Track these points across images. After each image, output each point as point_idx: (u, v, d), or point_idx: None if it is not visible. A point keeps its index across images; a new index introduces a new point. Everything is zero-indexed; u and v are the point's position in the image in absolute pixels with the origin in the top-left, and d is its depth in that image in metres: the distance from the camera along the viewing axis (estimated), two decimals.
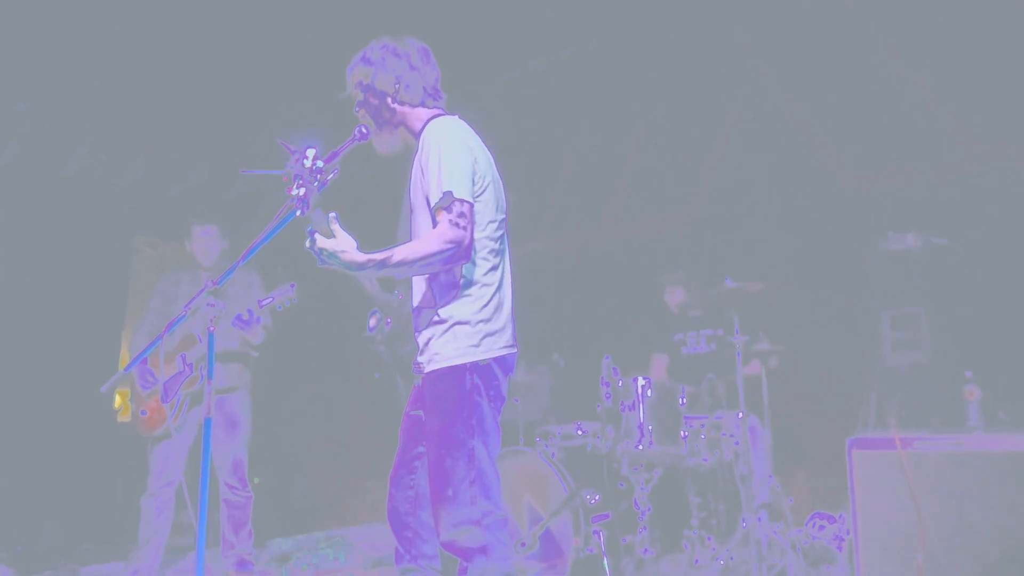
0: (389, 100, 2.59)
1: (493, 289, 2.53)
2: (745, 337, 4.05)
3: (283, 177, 2.39)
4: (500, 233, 2.60)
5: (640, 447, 3.97)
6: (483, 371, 2.48)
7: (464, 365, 2.46)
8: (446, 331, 2.48)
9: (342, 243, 2.32)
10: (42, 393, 4.95)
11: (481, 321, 2.48)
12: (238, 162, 5.76)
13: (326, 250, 2.31)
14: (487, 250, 2.53)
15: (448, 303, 2.49)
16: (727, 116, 5.16)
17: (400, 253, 2.35)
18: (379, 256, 2.33)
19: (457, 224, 2.38)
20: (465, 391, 2.45)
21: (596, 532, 3.80)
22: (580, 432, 4.32)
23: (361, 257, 2.32)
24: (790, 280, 4.60)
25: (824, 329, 4.53)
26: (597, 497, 3.97)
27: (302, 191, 2.29)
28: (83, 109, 5.01)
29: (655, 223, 5.49)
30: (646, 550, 3.90)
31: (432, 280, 2.52)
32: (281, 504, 5.60)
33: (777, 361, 4.34)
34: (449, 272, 2.48)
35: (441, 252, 2.36)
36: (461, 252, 2.40)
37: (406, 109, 2.61)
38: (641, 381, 4.04)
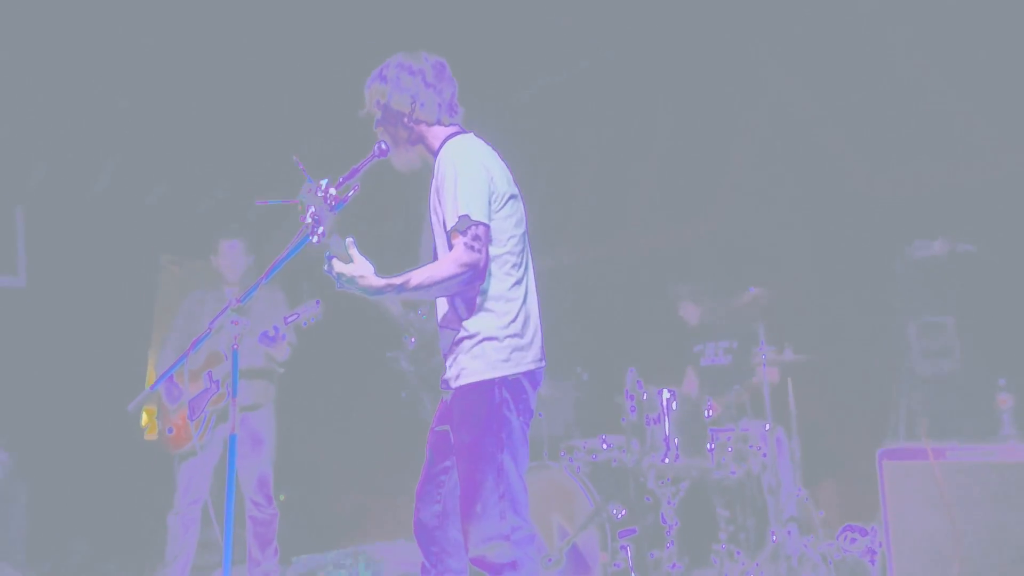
0: (405, 119, 2.61)
1: (519, 303, 2.54)
2: (771, 347, 4.00)
3: (297, 207, 2.44)
4: (522, 247, 2.60)
5: (666, 460, 3.93)
6: (512, 385, 2.48)
7: (493, 380, 2.46)
8: (474, 346, 2.49)
9: (359, 268, 2.34)
10: (69, 412, 5.00)
11: (509, 336, 2.49)
12: (262, 181, 5.82)
13: (344, 275, 2.33)
14: (510, 264, 2.54)
15: (473, 319, 2.49)
16: (748, 124, 5.13)
17: (417, 277, 2.38)
18: (397, 281, 2.36)
19: (472, 247, 2.40)
20: (494, 405, 2.46)
21: (623, 547, 3.77)
22: (605, 446, 4.28)
23: (379, 282, 2.34)
24: (815, 289, 4.55)
25: (851, 338, 4.47)
26: (623, 512, 3.93)
27: (311, 220, 2.34)
28: (109, 129, 5.09)
29: (677, 233, 5.46)
30: (674, 565, 3.86)
31: (456, 298, 2.53)
32: (307, 521, 5.60)
33: (802, 372, 4.28)
34: (473, 289, 2.48)
35: (456, 275, 2.39)
36: (476, 274, 2.42)
37: (423, 127, 2.63)
38: (666, 394, 4.01)
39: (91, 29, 4.25)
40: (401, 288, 2.36)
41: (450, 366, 2.55)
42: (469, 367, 2.48)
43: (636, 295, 5.47)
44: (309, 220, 2.36)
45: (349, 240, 2.36)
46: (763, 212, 5.00)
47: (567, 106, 5.51)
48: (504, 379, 2.46)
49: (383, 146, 2.64)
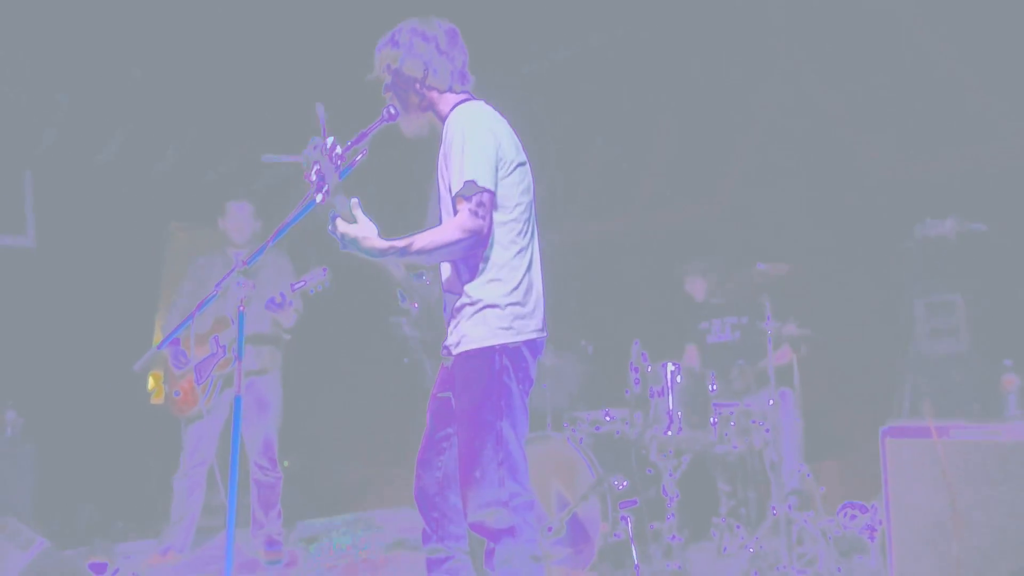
0: (417, 85, 2.59)
1: (523, 271, 2.53)
2: (776, 323, 3.99)
3: (301, 163, 2.43)
4: (528, 215, 2.59)
5: (669, 433, 3.94)
6: (512, 353, 2.48)
7: (494, 347, 2.46)
8: (476, 313, 2.48)
9: (363, 229, 2.34)
10: (77, 375, 5.05)
11: (511, 304, 2.48)
12: (270, 148, 5.80)
13: (347, 235, 2.33)
14: (516, 232, 2.53)
15: (476, 286, 2.49)
16: (757, 101, 5.09)
17: (420, 241, 2.38)
18: (399, 243, 2.36)
19: (476, 213, 2.39)
20: (494, 373, 2.45)
21: (624, 518, 3.79)
22: (608, 418, 4.30)
23: (381, 243, 2.34)
24: (823, 267, 4.53)
25: (858, 317, 4.46)
26: (625, 483, 3.95)
27: (315, 178, 2.33)
28: (118, 97, 5.08)
29: (684, 209, 5.44)
30: (674, 536, 3.88)
31: (460, 263, 2.52)
32: (310, 487, 5.66)
33: (808, 348, 4.27)
34: (477, 255, 2.48)
35: (459, 241, 2.39)
36: (479, 240, 2.42)
37: (434, 94, 2.61)
38: (670, 367, 4.01)
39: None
40: (404, 251, 2.36)
41: (451, 332, 2.55)
42: (470, 333, 2.48)
43: (643, 270, 5.47)
44: (314, 177, 2.36)
45: (354, 200, 2.35)
46: (773, 189, 4.97)
47: (578, 81, 5.47)
48: (504, 347, 2.46)
49: (392, 110, 2.62)
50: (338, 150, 2.41)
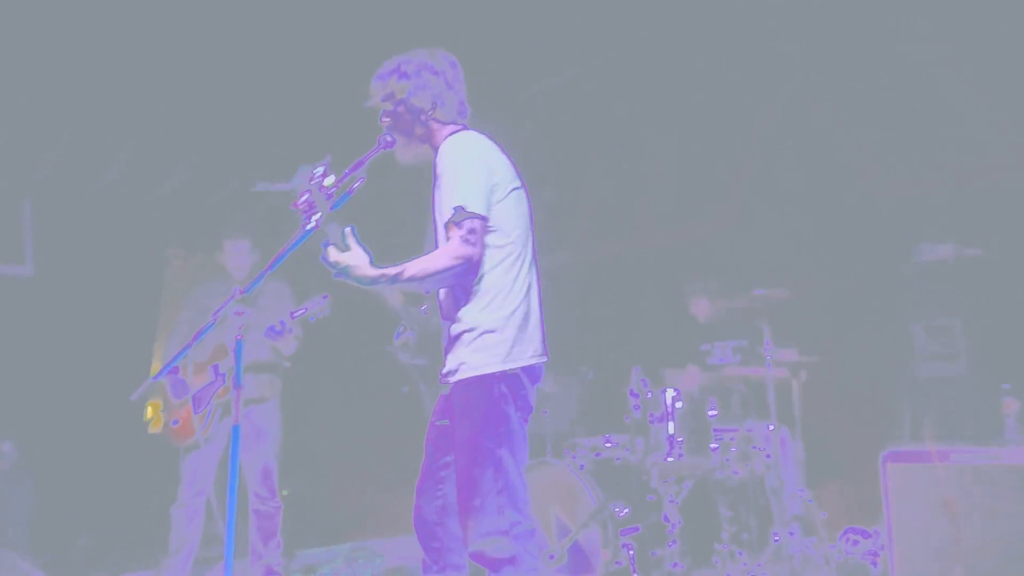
0: (423, 116, 2.62)
1: (521, 296, 2.53)
2: (775, 348, 4.00)
3: (292, 192, 2.45)
4: (526, 240, 2.60)
5: (670, 459, 3.93)
6: (511, 380, 2.48)
7: (493, 374, 2.45)
8: (474, 340, 2.48)
9: (354, 257, 2.36)
10: (75, 405, 5.01)
11: (510, 330, 2.48)
12: (270, 172, 5.82)
13: (339, 263, 2.35)
14: (513, 257, 2.53)
15: (474, 312, 2.49)
16: (756, 124, 5.12)
17: (411, 269, 2.39)
18: (391, 271, 2.38)
19: (467, 240, 2.40)
20: (493, 400, 2.45)
21: (625, 545, 3.77)
22: (608, 444, 4.29)
23: (373, 272, 2.36)
24: (821, 290, 4.54)
25: (856, 340, 4.45)
26: (626, 510, 3.93)
27: (304, 207, 2.35)
28: (118, 122, 5.10)
29: (683, 232, 5.45)
30: (676, 564, 3.85)
31: (457, 290, 2.53)
32: (310, 515, 5.61)
33: (807, 374, 4.27)
34: (472, 281, 2.49)
35: (450, 268, 2.40)
36: (470, 267, 2.43)
37: (436, 125, 2.63)
38: (671, 393, 4.00)
39: (99, 22, 4.26)
40: (395, 279, 2.37)
41: (449, 359, 2.55)
42: (469, 361, 2.48)
43: (641, 293, 5.47)
44: (303, 206, 2.37)
45: (347, 229, 2.38)
46: (771, 213, 4.99)
47: (576, 103, 5.50)
48: (504, 374, 2.46)
49: (388, 138, 2.65)
50: (330, 179, 2.43)
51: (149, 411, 5.80)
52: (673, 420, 3.98)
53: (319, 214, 2.39)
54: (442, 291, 2.59)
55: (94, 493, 4.93)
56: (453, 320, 2.53)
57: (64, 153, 5.12)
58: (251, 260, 4.44)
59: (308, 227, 2.40)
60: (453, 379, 2.52)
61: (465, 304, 2.51)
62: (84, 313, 5.16)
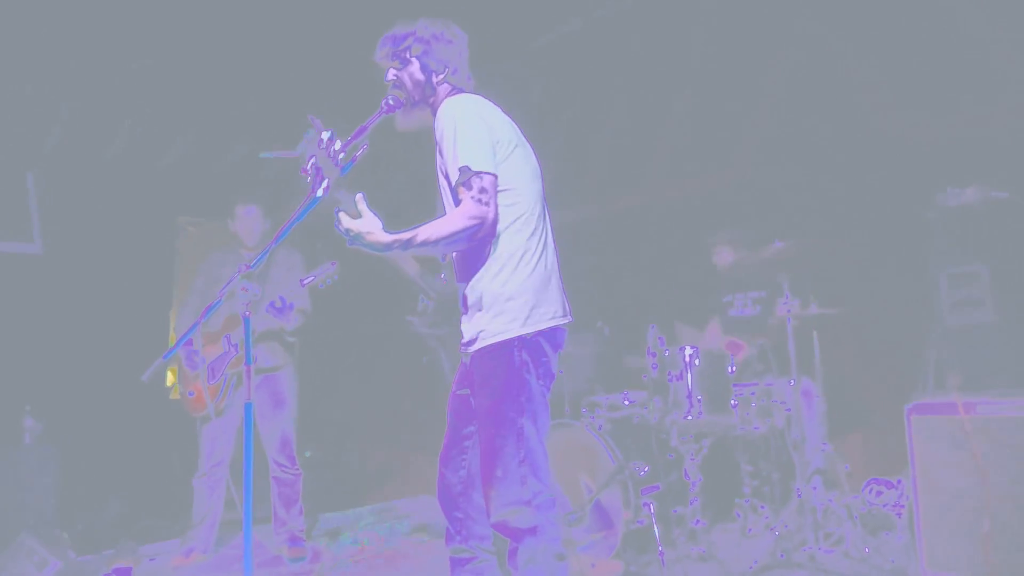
0: (434, 78, 2.58)
1: (536, 259, 2.48)
2: (796, 300, 3.91)
3: (298, 158, 2.39)
4: (538, 201, 2.55)
5: (689, 418, 3.89)
6: (531, 347, 2.44)
7: (511, 340, 2.42)
8: (491, 306, 2.44)
9: (367, 224, 2.33)
10: (93, 377, 5.04)
11: (527, 292, 2.44)
12: (276, 137, 5.74)
13: (351, 230, 2.31)
14: (526, 217, 2.49)
15: (491, 277, 2.44)
16: (773, 67, 4.93)
17: (424, 232, 2.34)
18: (404, 236, 2.33)
19: (479, 200, 2.36)
20: (514, 368, 2.42)
21: (646, 504, 3.75)
22: (627, 403, 4.25)
23: (386, 237, 2.32)
24: (844, 238, 4.42)
25: (879, 289, 4.35)
26: (646, 469, 3.90)
27: (312, 172, 2.29)
28: (122, 92, 5.02)
29: (700, 183, 5.32)
30: (698, 521, 3.84)
31: (472, 254, 2.47)
32: (331, 478, 5.66)
33: (829, 325, 4.18)
34: (488, 245, 2.44)
35: (465, 229, 2.35)
36: (485, 227, 2.38)
37: (444, 90, 2.60)
38: (688, 350, 3.94)
39: None
40: (408, 243, 2.33)
41: (467, 328, 2.51)
42: (487, 328, 2.44)
43: (658, 246, 5.37)
44: (311, 171, 2.32)
45: (359, 196, 2.34)
46: (790, 160, 4.85)
47: (588, 53, 5.33)
48: (523, 339, 2.42)
49: (391, 101, 2.60)
50: (337, 144, 2.37)
51: (170, 377, 5.85)
52: (692, 378, 3.92)
53: (327, 180, 2.33)
54: (456, 256, 2.54)
55: (118, 464, 4.99)
56: (469, 286, 2.49)
57: (67, 126, 5.05)
58: (262, 226, 4.41)
59: (317, 195, 2.35)
60: (472, 348, 2.49)
61: (480, 269, 2.46)
62: (96, 285, 5.16)
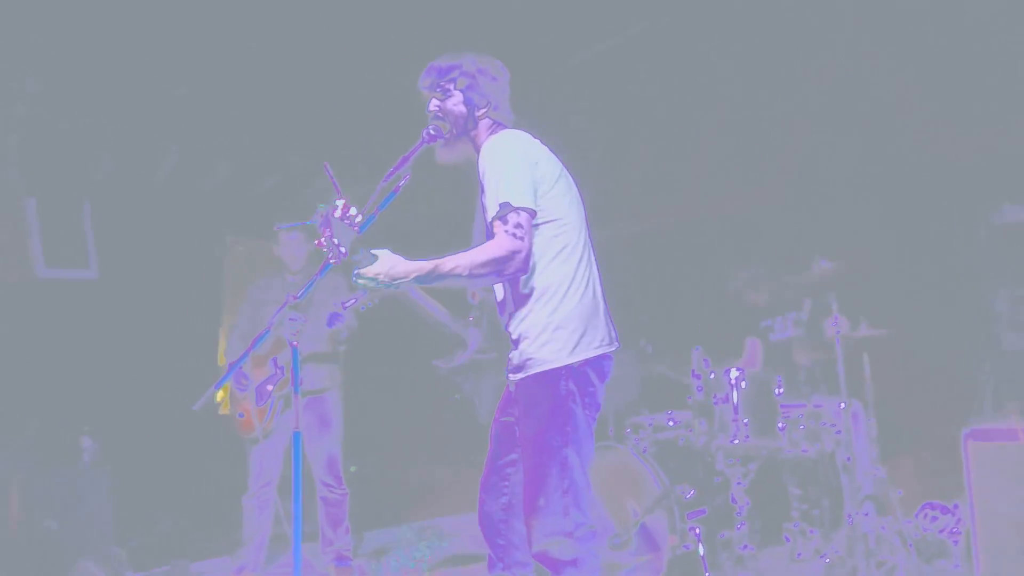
0: (478, 112, 2.60)
1: (583, 287, 2.48)
2: (845, 320, 3.82)
3: (314, 229, 2.40)
4: (581, 229, 2.55)
5: (736, 441, 3.83)
6: (578, 376, 2.43)
7: (559, 370, 2.42)
8: (540, 335, 2.44)
9: (385, 262, 2.30)
10: (148, 397, 5.17)
11: (575, 320, 2.43)
12: (320, 154, 5.82)
13: (377, 276, 2.29)
14: (571, 247, 2.49)
15: (539, 305, 2.45)
16: (817, 79, 4.83)
17: (453, 260, 2.33)
18: (427, 265, 2.32)
19: (514, 234, 2.35)
20: (560, 398, 2.41)
21: (692, 528, 3.70)
22: (671, 423, 4.21)
23: (409, 266, 2.30)
24: (894, 257, 4.32)
25: (933, 311, 4.23)
26: (691, 492, 3.86)
27: (327, 244, 2.28)
28: (169, 118, 5.15)
29: (739, 200, 5.24)
30: (745, 546, 3.78)
31: (521, 285, 2.47)
32: (375, 494, 5.70)
33: (880, 347, 4.07)
34: (537, 276, 2.44)
35: (495, 260, 2.33)
36: (517, 263, 2.36)
37: (486, 124, 2.61)
38: (734, 373, 3.88)
39: (144, 22, 4.27)
40: (433, 272, 2.31)
41: (515, 356, 2.52)
42: (535, 356, 2.44)
43: (697, 263, 5.30)
44: (325, 244, 2.30)
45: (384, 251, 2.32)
46: (836, 174, 4.75)
47: (623, 70, 5.31)
48: (570, 368, 2.41)
49: (432, 131, 2.61)
50: (353, 211, 2.35)
51: (219, 393, 5.98)
52: (738, 400, 3.86)
53: (343, 248, 2.30)
54: (504, 287, 2.54)
55: (169, 482, 5.09)
56: (518, 315, 2.49)
57: (116, 154, 5.20)
58: (306, 250, 4.48)
59: (333, 263, 2.33)
60: (519, 376, 2.49)
61: (530, 298, 2.46)
62: (150, 309, 5.29)
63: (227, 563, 4.48)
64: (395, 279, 2.30)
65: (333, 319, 4.00)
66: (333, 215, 2.27)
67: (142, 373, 5.12)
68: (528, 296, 2.46)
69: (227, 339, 4.78)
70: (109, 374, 4.99)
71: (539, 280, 2.45)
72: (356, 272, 2.33)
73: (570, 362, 2.41)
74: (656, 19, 4.86)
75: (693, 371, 3.93)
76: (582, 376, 2.43)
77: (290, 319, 2.70)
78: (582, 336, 2.43)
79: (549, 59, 5.09)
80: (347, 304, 4.01)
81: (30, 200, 4.83)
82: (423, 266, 2.32)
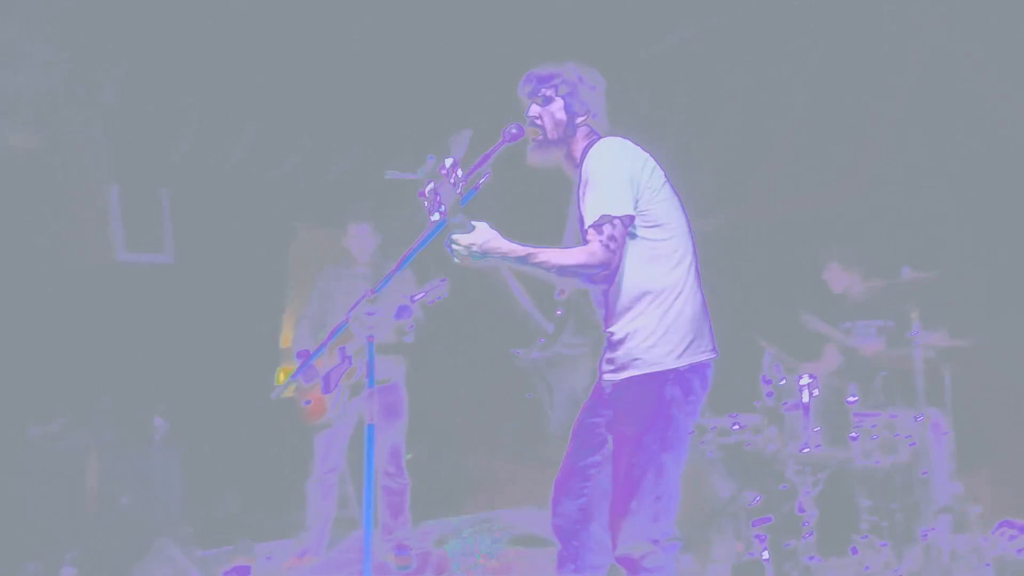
0: (577, 120, 2.61)
1: (692, 292, 2.49)
2: (925, 332, 3.69)
3: (419, 181, 2.41)
4: (688, 236, 2.56)
5: (807, 449, 3.75)
6: (683, 382, 2.43)
7: (666, 373, 2.41)
8: (649, 336, 2.44)
9: (483, 233, 2.35)
10: (218, 379, 5.29)
11: (685, 325, 2.43)
12: (386, 148, 5.87)
13: (473, 245, 2.33)
14: (680, 253, 2.50)
15: (653, 307, 2.45)
16: (900, 76, 4.65)
17: (545, 254, 2.38)
18: (522, 250, 2.37)
19: (607, 246, 2.37)
20: (664, 402, 2.41)
21: (758, 536, 3.64)
22: (736, 427, 4.13)
23: (505, 245, 2.36)
24: (975, 268, 4.15)
25: (1016, 322, 4.06)
26: (758, 499, 3.79)
27: (430, 196, 2.31)
28: (246, 104, 5.24)
29: (816, 199, 5.10)
30: (812, 557, 3.70)
31: (633, 285, 2.47)
32: (434, 484, 5.74)
33: (960, 359, 3.93)
34: (651, 278, 2.45)
35: (585, 266, 2.37)
36: (607, 274, 2.41)
37: (583, 132, 2.62)
38: (806, 379, 3.79)
39: (219, 12, 4.34)
40: (526, 259, 2.36)
41: (619, 355, 2.50)
42: (643, 357, 2.44)
43: (771, 264, 5.19)
44: (428, 196, 2.33)
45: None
46: (914, 176, 4.59)
47: (698, 62, 5.20)
48: (677, 373, 2.42)
49: (513, 130, 2.61)
50: (459, 172, 2.39)
51: (280, 376, 6.10)
52: (810, 408, 3.77)
53: (444, 206, 2.34)
54: (614, 288, 2.52)
55: (235, 463, 5.22)
56: (629, 315, 2.48)
57: (192, 141, 5.31)
58: (374, 242, 4.53)
59: (434, 219, 2.36)
60: (621, 375, 2.48)
61: (643, 299, 2.46)
62: (221, 293, 5.41)
63: (290, 545, 4.57)
64: (488, 253, 2.36)
65: (401, 311, 4.05)
66: (443, 168, 2.29)
67: (213, 356, 5.25)
68: (640, 297, 2.46)
69: (294, 326, 4.86)
70: (182, 356, 5.12)
71: (653, 282, 2.46)
72: (451, 236, 2.35)
73: (677, 366, 2.41)
74: (734, 11, 4.75)
75: (763, 376, 3.85)
76: (687, 382, 2.43)
77: (367, 313, 2.71)
78: (692, 341, 2.44)
79: (622, 51, 5.01)
80: (416, 297, 4.08)
81: (114, 186, 4.97)
82: (517, 249, 2.37)
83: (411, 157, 2.61)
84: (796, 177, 5.19)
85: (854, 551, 3.93)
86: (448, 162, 2.37)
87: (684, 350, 2.42)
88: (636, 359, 2.44)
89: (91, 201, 4.97)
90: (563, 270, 2.39)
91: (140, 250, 5.06)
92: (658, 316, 2.43)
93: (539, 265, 2.38)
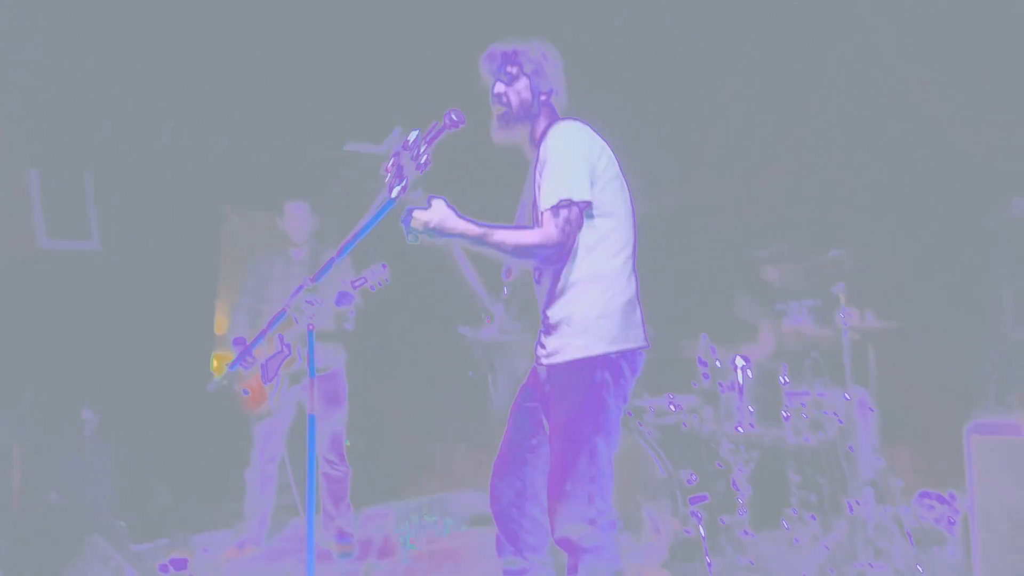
0: (542, 97, 2.61)
1: (627, 282, 2.52)
2: (852, 311, 3.84)
3: (383, 156, 2.39)
4: (630, 224, 2.58)
5: (740, 430, 3.86)
6: (613, 367, 2.46)
7: (596, 358, 2.45)
8: (581, 322, 2.47)
9: (439, 210, 2.36)
10: (148, 369, 5.12)
11: (617, 313, 2.47)
12: (320, 131, 5.76)
13: (429, 222, 2.33)
14: (621, 243, 2.53)
15: (584, 294, 2.47)
16: (829, 66, 4.80)
17: (500, 234, 2.39)
18: (477, 229, 2.37)
19: (563, 229, 2.40)
20: (594, 386, 2.45)
21: (694, 514, 3.74)
22: (673, 407, 4.23)
23: (460, 224, 2.36)
24: (902, 248, 4.33)
25: (939, 302, 4.26)
26: (694, 478, 3.89)
27: (393, 170, 2.29)
28: (169, 85, 5.06)
29: (748, 184, 5.22)
30: (745, 532, 3.82)
31: (570, 271, 2.50)
32: (372, 470, 5.72)
33: (884, 336, 4.11)
34: (588, 264, 2.47)
35: (539, 247, 2.39)
36: (559, 255, 2.42)
37: (546, 112, 2.63)
38: (740, 362, 3.90)
39: None
40: (480, 238, 2.37)
41: (551, 340, 2.53)
42: (573, 343, 2.47)
43: (704, 249, 5.30)
44: (391, 170, 2.31)
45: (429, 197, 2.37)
46: (845, 163, 4.74)
47: (626, 48, 5.24)
48: (607, 359, 2.45)
49: (453, 116, 2.56)
50: (423, 147, 2.36)
51: (214, 363, 5.95)
52: (743, 389, 3.88)
53: (405, 181, 2.31)
54: (554, 271, 2.54)
55: (171, 456, 5.08)
56: (562, 300, 2.51)
57: (116, 123, 5.11)
58: (310, 224, 4.45)
59: (392, 196, 2.33)
60: (553, 360, 2.51)
61: (577, 285, 2.49)
62: (150, 281, 5.23)
63: (228, 536, 4.49)
64: (444, 232, 2.35)
65: (342, 298, 4.00)
66: (406, 144, 2.27)
67: (143, 345, 5.08)
68: (578, 283, 2.48)
69: (228, 312, 4.75)
70: (110, 346, 4.95)
71: (592, 269, 2.48)
72: (409, 210, 2.32)
73: (608, 351, 2.43)
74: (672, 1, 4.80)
75: (699, 358, 3.94)
76: (617, 367, 2.47)
77: (308, 302, 2.67)
78: (623, 328, 2.47)
79: (564, 31, 5.01)
80: (357, 284, 4.02)
81: (33, 171, 4.75)
82: (472, 229, 2.37)
83: (352, 133, 2.57)
84: (730, 161, 5.30)
85: (785, 525, 4.09)
86: (412, 136, 2.35)
87: (615, 337, 2.45)
88: (569, 344, 2.47)
89: (9, 186, 4.73)
90: (518, 250, 2.41)
91: (64, 237, 4.85)
92: (594, 303, 2.46)
93: (494, 246, 2.39)
